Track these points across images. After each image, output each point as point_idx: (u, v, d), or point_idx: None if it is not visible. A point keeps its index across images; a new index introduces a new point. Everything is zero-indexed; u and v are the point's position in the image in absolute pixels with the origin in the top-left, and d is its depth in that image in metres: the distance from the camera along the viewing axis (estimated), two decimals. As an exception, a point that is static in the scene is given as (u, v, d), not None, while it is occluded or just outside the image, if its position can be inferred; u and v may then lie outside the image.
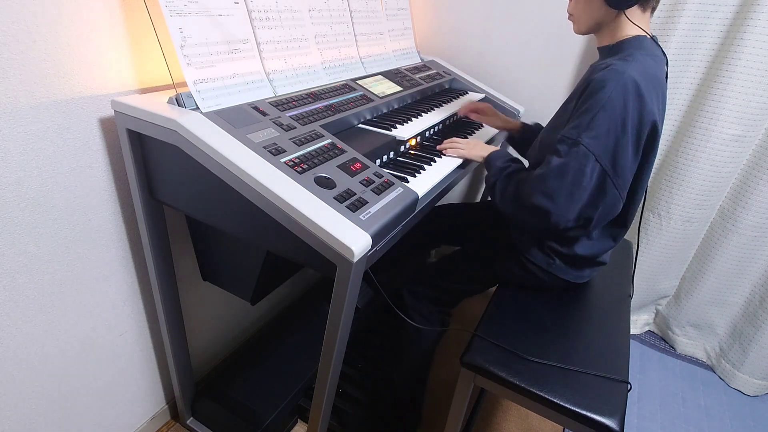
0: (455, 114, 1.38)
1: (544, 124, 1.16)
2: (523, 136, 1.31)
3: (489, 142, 1.32)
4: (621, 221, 1.01)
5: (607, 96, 0.83)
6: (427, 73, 1.55)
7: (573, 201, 0.86)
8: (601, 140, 0.84)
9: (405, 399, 1.27)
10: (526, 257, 1.06)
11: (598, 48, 1.00)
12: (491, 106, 1.36)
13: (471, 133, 1.34)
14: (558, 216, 0.88)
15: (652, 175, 1.63)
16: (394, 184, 0.86)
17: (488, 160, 1.06)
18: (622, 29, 0.94)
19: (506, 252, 1.10)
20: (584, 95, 0.88)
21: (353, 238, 0.68)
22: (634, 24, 0.92)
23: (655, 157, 0.93)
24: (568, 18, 1.01)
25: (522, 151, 1.32)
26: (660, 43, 1.41)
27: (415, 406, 1.28)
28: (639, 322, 1.90)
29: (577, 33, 1.01)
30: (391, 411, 1.28)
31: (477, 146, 1.11)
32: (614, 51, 0.94)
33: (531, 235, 1.05)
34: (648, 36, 0.93)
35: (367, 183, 0.82)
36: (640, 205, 1.02)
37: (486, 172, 1.05)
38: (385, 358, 1.49)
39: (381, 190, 0.82)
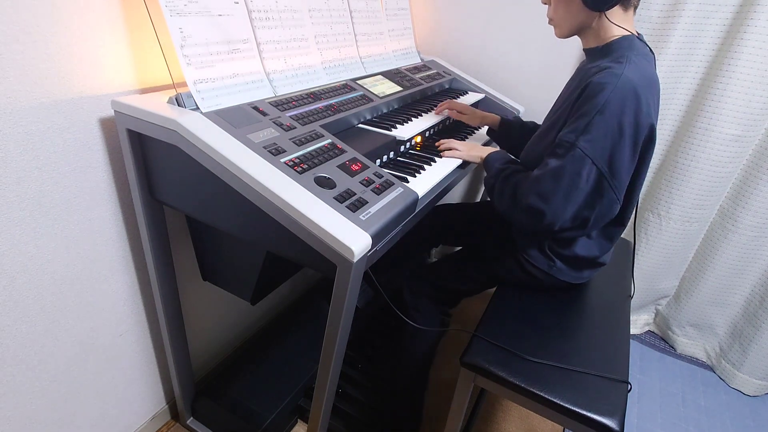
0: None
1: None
2: (501, 129, 1.30)
3: (488, 143, 1.32)
4: (618, 221, 1.01)
5: (605, 100, 0.83)
6: (427, 73, 1.55)
7: (569, 202, 0.87)
8: (597, 144, 0.84)
9: (406, 398, 1.27)
10: (526, 259, 1.06)
11: (585, 50, 0.98)
12: (467, 105, 1.35)
13: (470, 133, 1.34)
14: (552, 216, 0.88)
15: (652, 175, 1.64)
16: (394, 184, 0.86)
17: (487, 161, 1.06)
18: (606, 30, 0.92)
19: (506, 253, 1.10)
20: (581, 98, 0.87)
21: (353, 238, 0.68)
22: (616, 25, 0.90)
23: (651, 158, 0.93)
24: (549, 23, 0.98)
25: (501, 143, 1.31)
26: (660, 43, 1.42)
27: (416, 405, 1.28)
28: (639, 322, 1.90)
29: (559, 37, 0.98)
30: (392, 410, 1.28)
31: (474, 147, 1.11)
32: (604, 53, 0.92)
33: (532, 236, 1.05)
34: (635, 35, 0.92)
35: (367, 183, 0.82)
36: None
37: (485, 173, 1.05)
38: (385, 358, 1.49)
39: (381, 190, 0.82)
